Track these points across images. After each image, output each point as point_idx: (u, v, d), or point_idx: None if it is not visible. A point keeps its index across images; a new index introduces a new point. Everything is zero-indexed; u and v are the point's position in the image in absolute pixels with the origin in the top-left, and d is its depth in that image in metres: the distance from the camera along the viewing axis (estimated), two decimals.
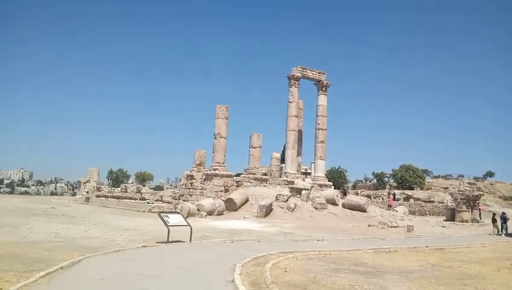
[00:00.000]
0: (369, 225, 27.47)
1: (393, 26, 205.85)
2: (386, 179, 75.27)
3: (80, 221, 22.37)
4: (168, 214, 14.32)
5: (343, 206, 33.16)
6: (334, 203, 33.15)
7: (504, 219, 25.15)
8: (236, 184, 36.94)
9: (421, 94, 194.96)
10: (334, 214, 30.63)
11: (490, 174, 74.73)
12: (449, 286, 8.96)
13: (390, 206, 44.76)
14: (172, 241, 13.70)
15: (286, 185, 37.94)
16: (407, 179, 67.03)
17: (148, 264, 9.45)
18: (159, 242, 13.79)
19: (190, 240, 14.02)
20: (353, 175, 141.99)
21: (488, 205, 48.48)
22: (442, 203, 53.92)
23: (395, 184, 69.27)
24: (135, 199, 40.87)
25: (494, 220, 25.68)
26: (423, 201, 54.08)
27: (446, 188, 69.88)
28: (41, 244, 12.36)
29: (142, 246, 12.11)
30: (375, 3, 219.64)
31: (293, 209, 29.73)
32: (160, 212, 14.83)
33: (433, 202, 54.73)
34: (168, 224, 13.58)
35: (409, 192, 60.40)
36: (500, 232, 24.93)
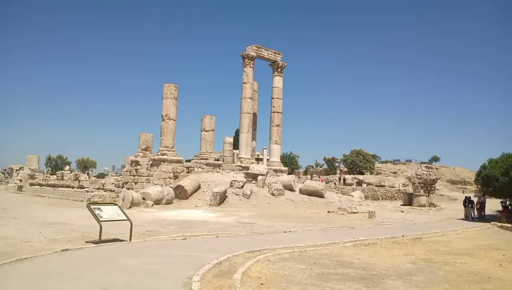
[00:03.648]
0: (328, 211, 26.08)
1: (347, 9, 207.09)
2: (336, 164, 75.18)
3: None
4: (101, 206, 11.07)
5: (300, 191, 31.46)
6: (291, 189, 31.35)
7: (471, 203, 24.57)
8: (187, 170, 33.90)
9: (371, 80, 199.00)
10: (292, 201, 28.93)
11: (436, 158, 77.08)
12: None
13: None
14: (107, 241, 10.62)
15: (240, 170, 35.50)
16: (358, 163, 67.10)
17: (61, 284, 6.40)
18: (89, 242, 10.69)
19: (130, 239, 11.02)
20: (304, 160, 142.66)
21: (437, 189, 48.94)
22: (393, 187, 54.24)
23: (345, 169, 69.18)
24: (73, 187, 36.93)
25: (465, 204, 25.09)
26: (375, 186, 54.03)
27: (395, 173, 71.00)
28: None
29: (62, 250, 8.83)
30: None
31: (249, 196, 27.50)
32: (90, 203, 11.63)
33: (384, 186, 54.86)
34: (101, 219, 10.49)
35: (360, 177, 60.38)
36: (472, 216, 24.26)
